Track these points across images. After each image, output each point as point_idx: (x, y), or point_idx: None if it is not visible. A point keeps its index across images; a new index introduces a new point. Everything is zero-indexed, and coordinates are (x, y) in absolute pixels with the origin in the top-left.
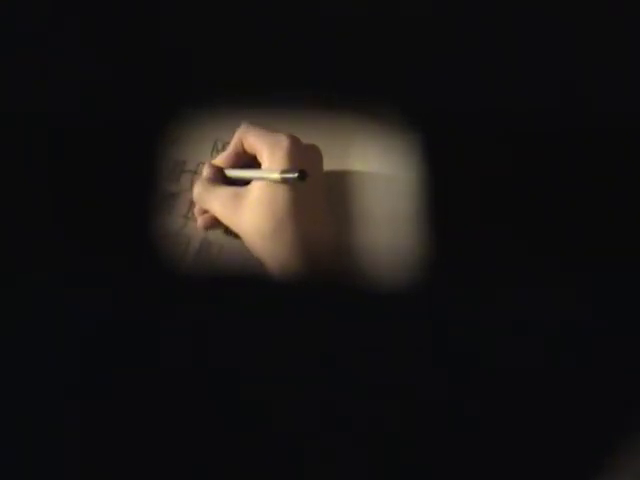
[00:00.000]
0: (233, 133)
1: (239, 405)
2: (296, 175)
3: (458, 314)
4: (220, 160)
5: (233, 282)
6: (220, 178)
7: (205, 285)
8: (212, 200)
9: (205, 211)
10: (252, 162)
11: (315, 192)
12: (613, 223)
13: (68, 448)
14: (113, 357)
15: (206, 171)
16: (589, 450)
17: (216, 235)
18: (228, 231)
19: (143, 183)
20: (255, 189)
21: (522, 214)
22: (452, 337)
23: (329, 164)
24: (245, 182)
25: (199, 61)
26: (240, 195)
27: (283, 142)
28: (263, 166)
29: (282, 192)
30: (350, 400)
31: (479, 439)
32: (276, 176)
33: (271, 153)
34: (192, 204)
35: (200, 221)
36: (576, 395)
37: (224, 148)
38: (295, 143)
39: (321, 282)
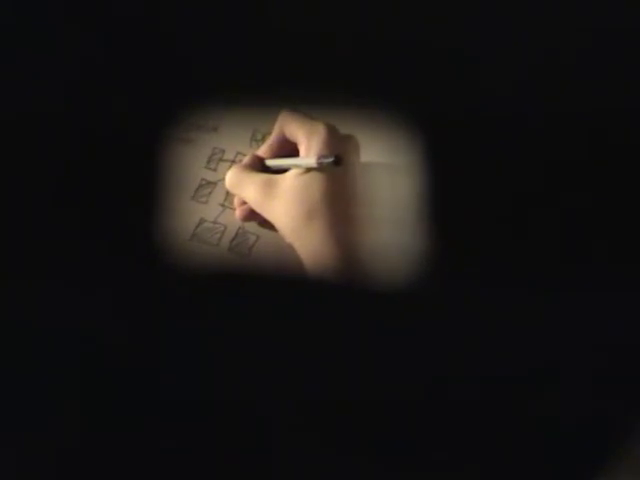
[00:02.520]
0: (272, 124)
1: (240, 404)
2: (331, 160)
3: (458, 313)
4: (263, 149)
5: (232, 282)
6: (257, 166)
7: (205, 285)
8: (244, 186)
9: (244, 202)
10: (294, 151)
11: (350, 182)
12: (615, 223)
13: (67, 447)
14: (114, 359)
15: (245, 159)
16: (589, 450)
17: (253, 225)
18: (265, 223)
19: (146, 183)
20: (289, 177)
21: (523, 214)
22: (451, 336)
23: None
24: (283, 173)
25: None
26: (273, 182)
27: (320, 130)
28: (300, 154)
29: (316, 180)
30: (351, 399)
31: (479, 439)
32: (312, 161)
33: (308, 140)
34: (229, 193)
35: (239, 212)
36: (576, 394)
37: (263, 139)
38: (332, 132)
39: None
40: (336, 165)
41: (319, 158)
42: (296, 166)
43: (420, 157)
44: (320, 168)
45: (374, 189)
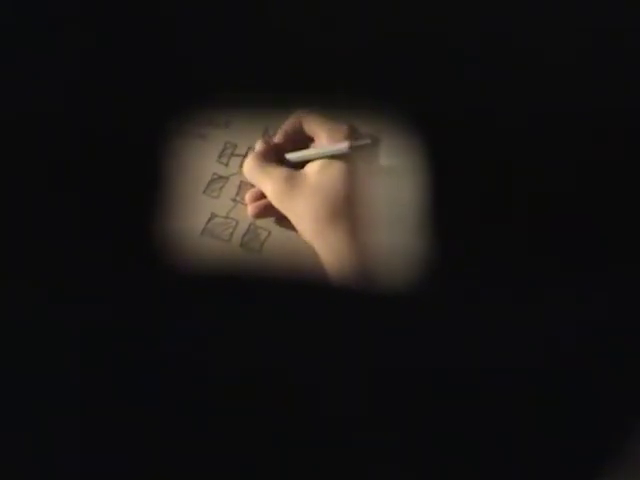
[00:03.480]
0: (285, 120)
1: (238, 402)
2: (369, 141)
3: (458, 313)
4: (278, 138)
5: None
6: (273, 156)
7: (215, 281)
8: (265, 179)
9: (256, 198)
10: (307, 145)
11: (371, 182)
12: (615, 224)
13: (68, 448)
14: (115, 358)
15: (259, 146)
16: (589, 450)
17: (265, 220)
18: (278, 221)
19: (151, 180)
20: (312, 173)
21: (523, 214)
22: (452, 336)
23: None
24: (301, 166)
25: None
26: (296, 178)
27: (343, 127)
28: None
29: (341, 177)
30: (352, 398)
31: (479, 439)
32: (344, 147)
33: (331, 137)
34: (241, 188)
35: (251, 209)
36: (576, 395)
37: (275, 134)
38: (354, 130)
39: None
40: (374, 145)
41: (352, 141)
42: (321, 155)
43: (420, 157)
44: (345, 163)
45: (375, 189)
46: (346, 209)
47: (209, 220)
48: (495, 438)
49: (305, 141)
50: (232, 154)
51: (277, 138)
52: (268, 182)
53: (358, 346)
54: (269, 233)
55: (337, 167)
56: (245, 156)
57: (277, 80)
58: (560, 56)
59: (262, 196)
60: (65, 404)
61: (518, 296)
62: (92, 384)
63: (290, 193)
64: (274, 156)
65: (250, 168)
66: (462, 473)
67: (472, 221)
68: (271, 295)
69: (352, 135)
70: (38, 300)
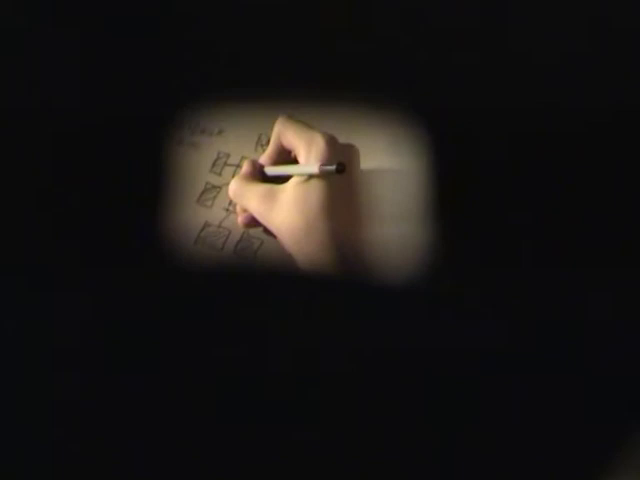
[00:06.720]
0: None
1: (239, 402)
2: (334, 168)
3: (457, 312)
4: (263, 158)
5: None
6: (257, 175)
7: (209, 289)
8: (247, 197)
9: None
10: (294, 158)
11: (350, 191)
12: (616, 224)
13: (67, 448)
14: (115, 356)
15: (244, 168)
16: (589, 449)
17: (257, 230)
18: (267, 230)
19: (149, 186)
20: (289, 187)
21: (523, 213)
22: (451, 335)
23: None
24: (285, 181)
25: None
26: (275, 193)
27: (319, 140)
28: (300, 163)
29: (316, 190)
30: (351, 397)
31: (479, 437)
32: (314, 170)
33: (307, 150)
34: None
35: (240, 219)
36: (575, 394)
37: (268, 142)
38: (331, 141)
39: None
40: (339, 173)
41: (321, 165)
42: (297, 174)
43: (421, 156)
44: (321, 176)
45: (377, 188)
46: (320, 221)
47: (202, 229)
48: (494, 434)
49: (289, 154)
50: (225, 164)
51: (262, 159)
52: (250, 200)
53: (356, 348)
54: (262, 242)
55: (312, 180)
56: (238, 166)
57: (276, 81)
58: (560, 56)
59: None
60: (65, 404)
61: (518, 296)
62: (91, 385)
63: (269, 207)
64: (259, 175)
65: (233, 191)
66: (461, 470)
67: (472, 220)
68: (265, 303)
69: (330, 144)
70: (38, 300)
